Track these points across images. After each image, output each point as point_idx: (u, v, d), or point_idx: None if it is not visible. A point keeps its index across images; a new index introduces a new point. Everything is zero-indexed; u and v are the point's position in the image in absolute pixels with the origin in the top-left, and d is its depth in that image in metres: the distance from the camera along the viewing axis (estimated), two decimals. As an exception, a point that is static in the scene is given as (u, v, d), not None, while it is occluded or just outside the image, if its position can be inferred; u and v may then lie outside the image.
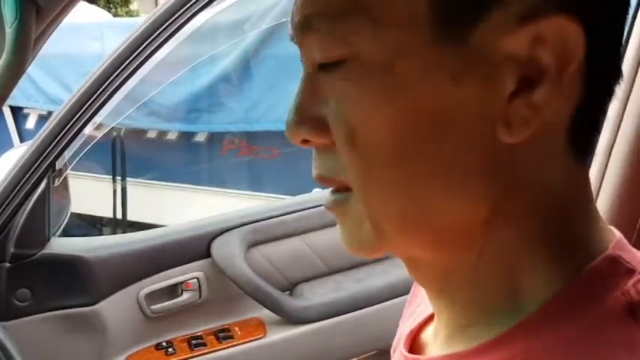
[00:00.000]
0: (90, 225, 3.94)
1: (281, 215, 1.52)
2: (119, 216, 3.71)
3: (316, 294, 1.50)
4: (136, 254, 1.39)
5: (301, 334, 1.45)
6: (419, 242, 0.35)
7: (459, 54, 0.30)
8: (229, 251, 1.43)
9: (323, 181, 0.37)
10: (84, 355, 1.34)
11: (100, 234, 4.07)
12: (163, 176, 3.67)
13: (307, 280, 1.53)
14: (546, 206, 0.33)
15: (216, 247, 1.43)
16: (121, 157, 3.67)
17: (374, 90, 0.32)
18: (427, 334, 0.42)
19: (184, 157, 3.64)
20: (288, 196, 3.18)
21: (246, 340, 1.43)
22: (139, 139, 3.70)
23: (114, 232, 3.90)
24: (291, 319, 1.45)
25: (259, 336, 1.44)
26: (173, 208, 3.55)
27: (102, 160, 3.64)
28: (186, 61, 2.97)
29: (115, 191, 3.69)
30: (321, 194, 1.73)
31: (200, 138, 3.52)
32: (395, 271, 1.55)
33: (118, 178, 3.71)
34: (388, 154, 0.33)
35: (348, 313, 1.49)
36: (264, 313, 1.47)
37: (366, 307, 1.50)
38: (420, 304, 0.46)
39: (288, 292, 1.52)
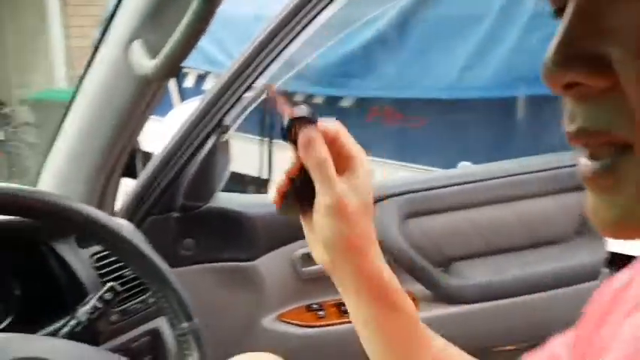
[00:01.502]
0: (236, 182, 4.11)
1: (442, 187, 1.44)
2: (265, 176, 3.83)
3: (474, 274, 1.41)
4: (295, 215, 1.38)
5: (455, 315, 1.37)
6: None
7: None
8: (385, 220, 1.38)
9: (585, 137, 0.30)
10: (239, 308, 1.38)
11: (244, 192, 4.24)
12: (309, 140, 3.70)
13: (465, 258, 1.44)
14: None
15: (372, 215, 1.39)
16: (270, 119, 3.76)
17: None
18: None
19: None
20: (432, 168, 3.08)
21: (397, 313, 1.38)
22: (286, 102, 3.76)
23: (258, 191, 4.04)
24: (446, 297, 1.38)
25: (412, 311, 1.38)
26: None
27: (251, 120, 3.75)
28: (341, 24, 2.94)
29: (262, 152, 3.80)
30: (481, 168, 1.62)
31: (346, 103, 3.49)
32: (565, 258, 1.41)
33: (266, 139, 3.81)
34: None
35: (507, 298, 1.39)
36: (417, 288, 1.41)
37: (527, 294, 1.39)
38: None
39: (442, 269, 1.44)
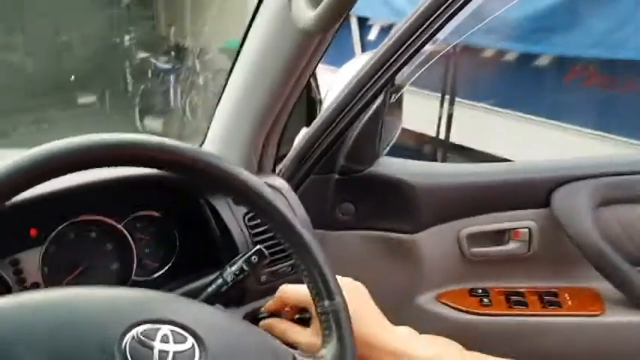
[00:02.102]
0: (410, 141, 3.99)
1: (651, 171, 1.19)
2: (442, 136, 3.65)
3: (683, 280, 1.15)
4: (465, 188, 1.24)
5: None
6: None
7: None
8: (574, 204, 1.17)
9: None
10: (395, 282, 1.29)
11: (420, 152, 4.10)
12: (494, 100, 3.42)
13: (672, 259, 1.19)
14: None
15: (559, 197, 1.19)
16: (452, 75, 3.54)
17: None
18: None
19: (521, 82, 3.30)
20: (641, 142, 2.65)
21: (577, 312, 1.19)
22: (473, 58, 3.49)
23: (434, 152, 3.88)
24: (642, 303, 1.15)
25: (595, 312, 1.18)
26: (502, 136, 3.30)
27: (431, 75, 3.57)
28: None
29: (441, 110, 3.61)
30: None
31: (543, 61, 3.12)
32: None
33: (447, 96, 3.61)
34: None
35: None
36: (604, 287, 1.20)
37: None
38: None
39: (640, 269, 1.20)
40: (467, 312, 1.25)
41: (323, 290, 0.67)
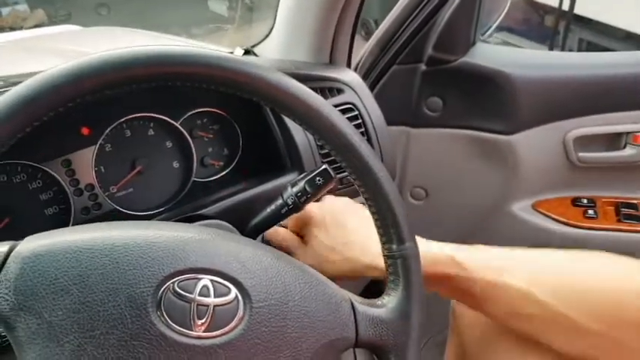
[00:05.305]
0: (527, 12, 3.57)
1: None
2: (565, 7, 3.22)
3: None
4: (576, 82, 1.04)
5: None
6: None
7: None
8: None
9: None
10: (487, 186, 1.16)
11: (541, 23, 3.70)
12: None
13: None
14: None
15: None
16: None
17: None
18: None
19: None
20: None
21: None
22: None
23: (556, 24, 3.46)
24: None
25: None
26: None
27: None
28: None
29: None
30: None
31: None
32: None
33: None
34: None
35: None
36: None
37: None
38: None
39: None
40: (567, 224, 1.11)
41: (392, 232, 0.57)
